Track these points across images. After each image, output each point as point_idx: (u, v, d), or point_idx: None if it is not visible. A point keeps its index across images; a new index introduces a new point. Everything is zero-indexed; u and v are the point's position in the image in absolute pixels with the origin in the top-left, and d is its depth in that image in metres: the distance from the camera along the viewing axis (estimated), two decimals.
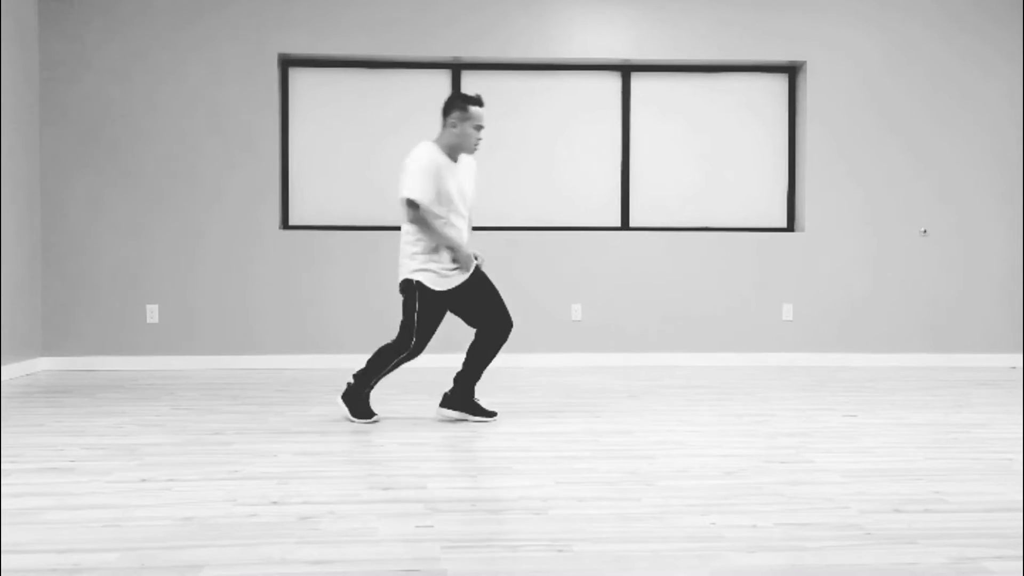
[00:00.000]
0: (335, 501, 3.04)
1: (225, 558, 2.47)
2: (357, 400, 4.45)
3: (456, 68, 6.93)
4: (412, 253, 4.36)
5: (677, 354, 6.88)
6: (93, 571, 2.37)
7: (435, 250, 4.35)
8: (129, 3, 6.59)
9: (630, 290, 6.88)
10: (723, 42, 6.86)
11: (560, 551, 2.54)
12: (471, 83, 6.94)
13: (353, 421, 4.45)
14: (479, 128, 4.44)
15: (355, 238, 6.68)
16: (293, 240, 6.73)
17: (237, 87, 6.66)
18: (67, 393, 5.47)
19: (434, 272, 4.33)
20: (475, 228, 6.84)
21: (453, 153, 4.42)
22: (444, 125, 4.44)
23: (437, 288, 4.34)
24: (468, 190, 4.48)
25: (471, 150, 4.46)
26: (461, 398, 4.50)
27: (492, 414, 4.52)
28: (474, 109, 4.42)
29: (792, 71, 7.09)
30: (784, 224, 7.11)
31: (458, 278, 4.37)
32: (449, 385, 4.61)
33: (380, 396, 5.07)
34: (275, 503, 3.01)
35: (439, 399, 4.65)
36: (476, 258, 4.43)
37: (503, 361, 6.60)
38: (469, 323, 4.50)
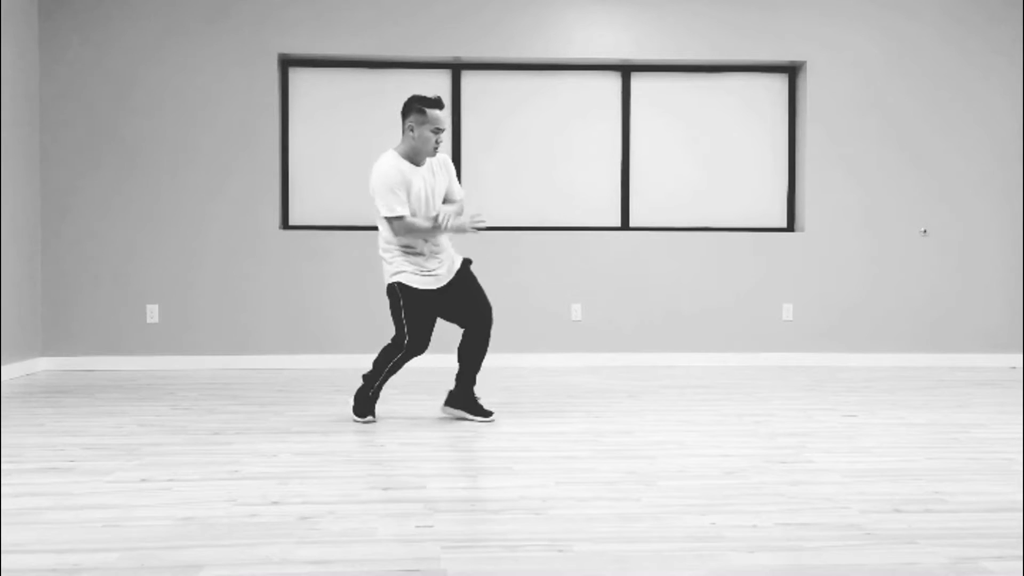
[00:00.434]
0: (335, 501, 3.04)
1: (225, 558, 2.47)
2: (362, 399, 4.48)
3: (456, 68, 6.93)
4: (389, 260, 4.41)
5: (677, 354, 6.88)
6: (93, 571, 2.37)
7: (411, 252, 4.37)
8: (129, 4, 6.59)
9: (630, 290, 6.88)
10: (723, 42, 6.86)
11: (560, 551, 2.54)
12: (471, 83, 6.94)
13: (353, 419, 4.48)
14: (438, 131, 4.34)
15: (355, 238, 6.68)
16: (293, 240, 6.73)
17: (237, 87, 6.66)
18: (67, 393, 5.47)
19: (412, 273, 4.37)
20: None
21: (415, 158, 4.37)
22: (403, 130, 4.38)
23: (418, 286, 4.36)
24: (440, 189, 4.46)
25: (431, 153, 4.38)
26: (462, 397, 4.54)
27: (489, 414, 4.53)
28: (432, 112, 4.32)
29: (792, 71, 7.09)
30: (784, 224, 7.11)
31: (439, 280, 4.40)
32: (450, 385, 4.64)
33: (380, 396, 5.06)
34: (275, 503, 3.01)
35: (441, 399, 4.69)
36: (472, 222, 4.41)
37: (503, 361, 6.61)
38: (456, 323, 4.55)
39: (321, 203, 6.85)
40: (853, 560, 2.47)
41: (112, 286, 6.62)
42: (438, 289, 4.41)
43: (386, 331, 4.86)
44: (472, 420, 4.51)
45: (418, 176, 4.36)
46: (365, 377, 4.50)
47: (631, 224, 7.04)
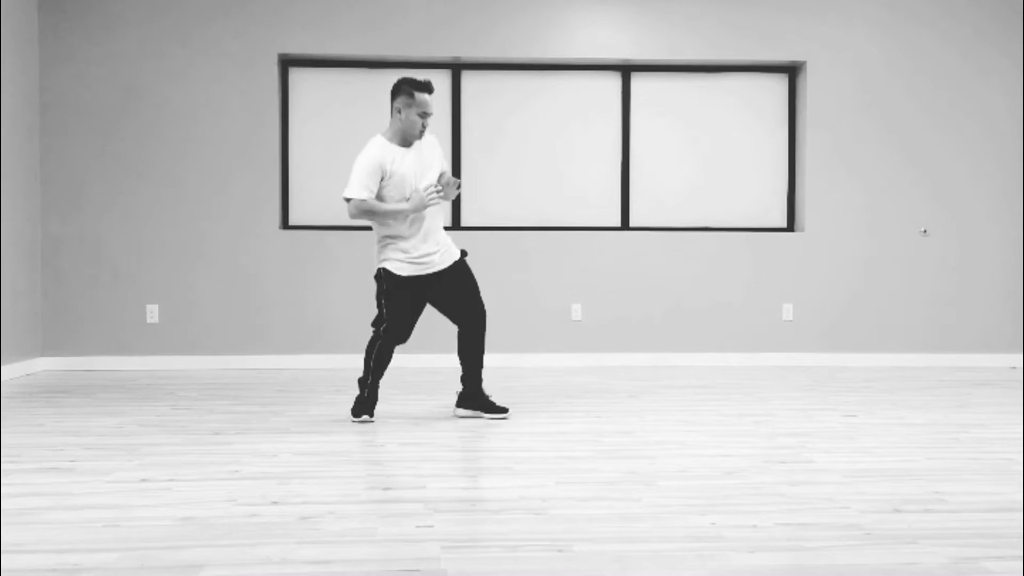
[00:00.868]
0: (335, 501, 3.04)
1: (225, 558, 2.47)
2: (359, 399, 4.49)
3: (456, 68, 6.93)
4: (379, 247, 4.46)
5: (677, 354, 6.88)
6: (93, 571, 2.37)
7: (398, 239, 4.38)
8: (129, 4, 6.59)
9: (630, 290, 6.88)
10: (723, 42, 6.86)
11: (560, 551, 2.54)
12: (471, 83, 6.94)
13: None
14: (425, 115, 4.35)
15: (355, 238, 6.68)
16: (293, 240, 6.73)
17: (237, 87, 6.66)
18: (67, 393, 5.47)
19: (397, 260, 4.39)
20: (475, 228, 6.86)
21: (403, 141, 4.40)
22: (391, 112, 4.40)
23: (401, 273, 4.38)
24: (431, 170, 4.45)
25: (417, 136, 4.40)
26: (472, 396, 4.57)
27: (504, 410, 4.56)
28: (420, 96, 4.33)
29: (792, 71, 7.09)
30: (784, 224, 7.11)
31: (427, 268, 4.41)
32: (453, 385, 4.65)
33: (380, 396, 5.06)
34: (275, 503, 3.01)
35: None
36: (455, 184, 4.41)
37: (503, 361, 6.61)
38: (449, 317, 4.56)
39: (321, 203, 6.85)
40: (853, 560, 2.47)
41: (112, 286, 6.62)
42: (427, 276, 4.42)
43: None
44: (486, 418, 4.52)
45: (406, 160, 4.36)
46: (359, 381, 4.53)
47: (631, 224, 7.04)
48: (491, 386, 5.53)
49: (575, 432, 4.23)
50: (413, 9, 6.73)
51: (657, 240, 6.90)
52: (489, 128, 6.96)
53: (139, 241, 6.63)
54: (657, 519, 2.84)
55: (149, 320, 6.64)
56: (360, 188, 4.31)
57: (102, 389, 5.61)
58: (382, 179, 4.33)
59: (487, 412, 4.54)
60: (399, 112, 4.36)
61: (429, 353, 6.38)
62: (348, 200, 4.34)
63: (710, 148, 7.07)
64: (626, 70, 7.01)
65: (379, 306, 4.45)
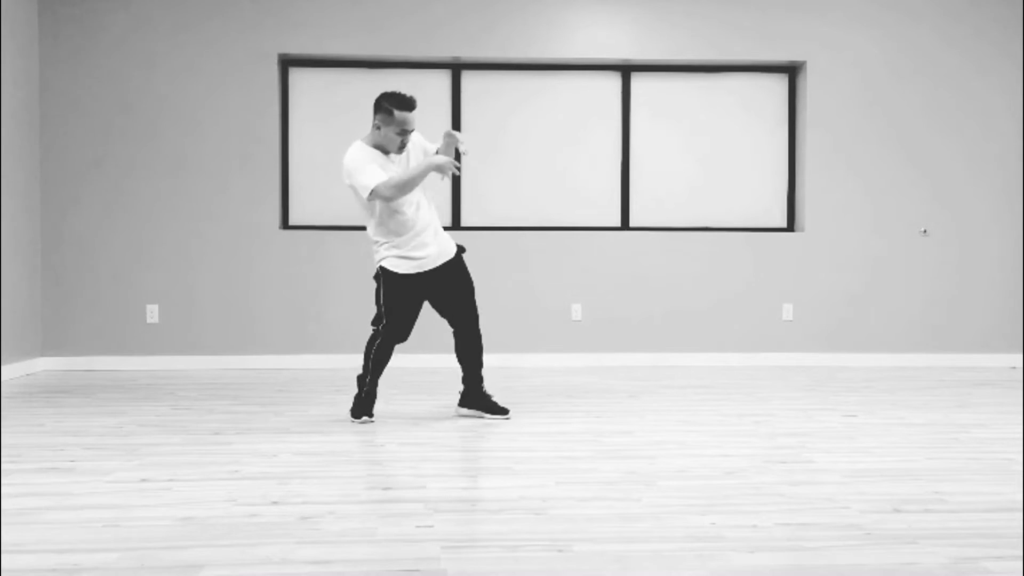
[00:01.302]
0: (335, 501, 3.04)
1: (225, 558, 2.47)
2: (358, 399, 4.49)
3: (456, 68, 6.93)
4: (376, 248, 4.45)
5: (677, 354, 6.88)
6: (93, 571, 2.37)
7: (397, 238, 4.36)
8: (129, 5, 6.59)
9: (630, 290, 6.88)
10: (723, 42, 6.86)
11: (560, 551, 2.54)
12: (471, 83, 6.94)
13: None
14: (404, 133, 4.30)
15: (355, 238, 6.68)
16: (293, 240, 6.73)
17: (237, 87, 6.66)
18: (67, 393, 5.47)
19: (395, 257, 4.38)
20: (475, 228, 6.86)
21: (383, 151, 4.38)
22: (372, 122, 4.37)
23: (400, 271, 4.38)
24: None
25: (396, 152, 4.36)
26: (474, 396, 4.58)
27: (504, 411, 4.56)
28: (399, 115, 4.26)
29: (792, 71, 7.09)
30: (784, 224, 7.11)
31: (423, 265, 4.40)
32: (454, 385, 4.65)
33: (380, 396, 5.06)
34: (275, 503, 3.01)
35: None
36: (457, 150, 4.37)
37: (503, 361, 6.61)
38: (443, 316, 4.57)
39: (321, 203, 6.85)
40: (853, 560, 2.47)
41: (112, 286, 6.62)
42: (424, 274, 4.41)
43: None
44: (487, 418, 4.52)
45: (386, 162, 4.34)
46: (358, 379, 4.52)
47: (631, 224, 7.04)
48: (491, 386, 5.53)
49: (575, 432, 4.23)
50: (413, 9, 6.73)
51: (657, 240, 6.90)
52: (489, 128, 6.96)
53: (139, 241, 6.63)
54: (657, 519, 2.84)
55: (149, 320, 6.64)
56: (375, 176, 4.23)
57: (102, 389, 5.61)
58: None
59: (488, 412, 4.55)
60: (377, 128, 4.32)
61: (429, 353, 6.37)
62: (373, 191, 4.21)
63: (710, 148, 7.07)
64: (626, 70, 7.01)
65: (378, 305, 4.46)
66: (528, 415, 4.66)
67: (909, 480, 3.33)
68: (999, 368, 6.83)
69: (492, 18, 6.77)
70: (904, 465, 3.58)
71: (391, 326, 4.42)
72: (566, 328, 6.86)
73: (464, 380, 4.60)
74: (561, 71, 7.00)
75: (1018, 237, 6.99)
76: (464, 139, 4.41)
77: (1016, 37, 6.95)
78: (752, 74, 7.08)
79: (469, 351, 4.55)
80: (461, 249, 4.56)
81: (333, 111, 6.86)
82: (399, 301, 4.41)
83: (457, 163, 4.31)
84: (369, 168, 4.25)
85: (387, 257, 4.40)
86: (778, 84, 7.11)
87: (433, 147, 4.51)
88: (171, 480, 3.31)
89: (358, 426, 4.37)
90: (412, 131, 4.35)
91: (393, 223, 4.37)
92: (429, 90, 6.86)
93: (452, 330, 4.59)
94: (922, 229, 6.97)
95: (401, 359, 5.71)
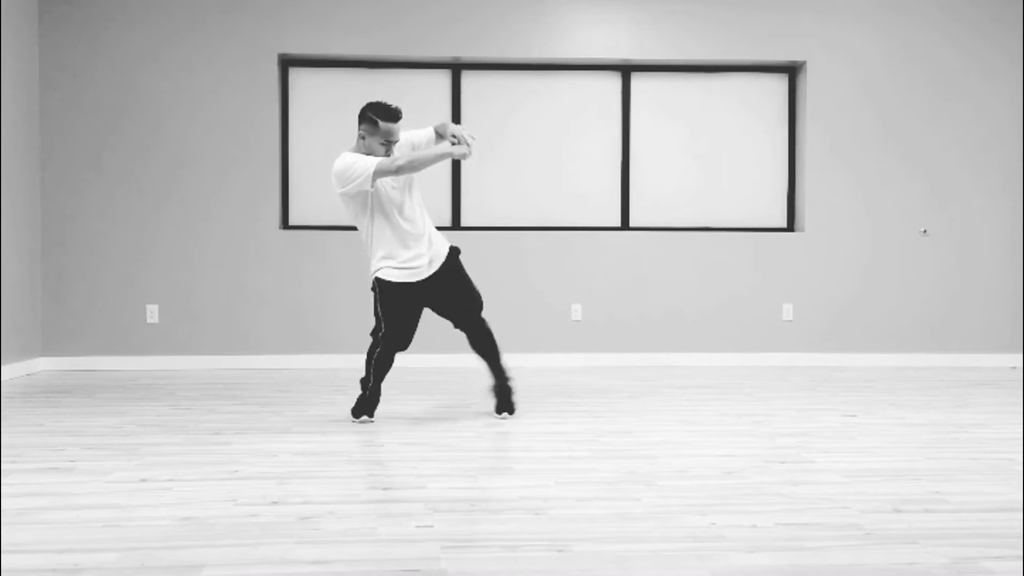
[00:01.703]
0: (335, 501, 3.04)
1: (225, 558, 2.47)
2: (360, 400, 4.49)
3: (456, 68, 6.93)
4: (370, 256, 4.44)
5: (677, 354, 6.88)
6: (93, 571, 2.37)
7: (391, 248, 4.35)
8: (129, 5, 6.59)
9: (630, 290, 6.88)
10: (723, 42, 6.86)
11: (560, 551, 2.54)
12: (471, 83, 6.94)
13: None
14: (388, 144, 4.30)
15: (355, 238, 6.67)
16: (293, 240, 6.73)
17: (237, 87, 6.66)
18: (67, 393, 5.47)
19: (390, 267, 4.37)
20: (475, 228, 6.86)
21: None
22: (357, 132, 4.37)
23: (395, 280, 4.36)
24: (413, 179, 4.43)
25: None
26: (505, 400, 4.59)
27: (502, 412, 4.58)
28: (384, 125, 4.27)
29: (792, 71, 7.09)
30: (784, 224, 7.11)
31: (418, 273, 4.39)
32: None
33: (381, 396, 5.06)
34: (275, 503, 3.01)
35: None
36: (464, 140, 4.34)
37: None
38: (448, 319, 4.56)
39: (321, 203, 6.85)
40: (853, 560, 2.47)
41: (112, 286, 6.62)
42: (420, 282, 4.40)
43: None
44: (494, 417, 4.55)
45: None
46: (362, 381, 4.54)
47: (631, 224, 7.04)
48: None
49: (575, 432, 4.23)
50: (413, 9, 6.73)
51: (657, 240, 6.90)
52: (489, 128, 6.95)
53: (139, 241, 6.63)
54: (657, 519, 2.84)
55: (149, 320, 6.64)
56: (369, 161, 4.20)
57: (102, 389, 5.61)
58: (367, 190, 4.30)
59: (497, 409, 4.55)
60: (362, 138, 4.32)
61: (429, 353, 6.37)
62: (376, 170, 4.17)
63: (710, 148, 7.07)
64: (626, 70, 7.01)
65: (376, 315, 4.45)
66: (528, 415, 4.66)
67: (909, 480, 3.33)
68: (999, 368, 6.83)
69: (492, 18, 6.77)
70: (904, 465, 3.58)
71: (390, 335, 4.41)
72: (566, 328, 6.86)
73: (493, 388, 4.60)
74: (561, 71, 7.00)
75: (1018, 237, 6.99)
76: (471, 137, 4.37)
77: (1016, 37, 6.95)
78: (752, 74, 7.08)
79: (483, 345, 4.54)
80: (455, 250, 4.54)
81: (333, 111, 6.86)
82: (397, 310, 4.39)
83: (468, 148, 4.31)
84: (361, 160, 4.25)
85: (382, 268, 4.38)
86: (778, 84, 7.11)
87: (419, 135, 4.49)
88: (171, 480, 3.31)
89: (358, 426, 4.37)
90: (397, 141, 4.34)
91: (387, 233, 4.35)
92: (429, 90, 6.86)
93: (465, 333, 4.57)
94: (922, 229, 6.97)
95: (401, 359, 5.68)
